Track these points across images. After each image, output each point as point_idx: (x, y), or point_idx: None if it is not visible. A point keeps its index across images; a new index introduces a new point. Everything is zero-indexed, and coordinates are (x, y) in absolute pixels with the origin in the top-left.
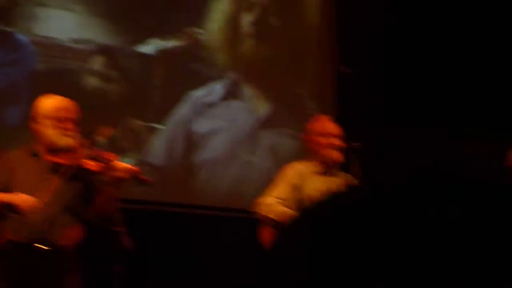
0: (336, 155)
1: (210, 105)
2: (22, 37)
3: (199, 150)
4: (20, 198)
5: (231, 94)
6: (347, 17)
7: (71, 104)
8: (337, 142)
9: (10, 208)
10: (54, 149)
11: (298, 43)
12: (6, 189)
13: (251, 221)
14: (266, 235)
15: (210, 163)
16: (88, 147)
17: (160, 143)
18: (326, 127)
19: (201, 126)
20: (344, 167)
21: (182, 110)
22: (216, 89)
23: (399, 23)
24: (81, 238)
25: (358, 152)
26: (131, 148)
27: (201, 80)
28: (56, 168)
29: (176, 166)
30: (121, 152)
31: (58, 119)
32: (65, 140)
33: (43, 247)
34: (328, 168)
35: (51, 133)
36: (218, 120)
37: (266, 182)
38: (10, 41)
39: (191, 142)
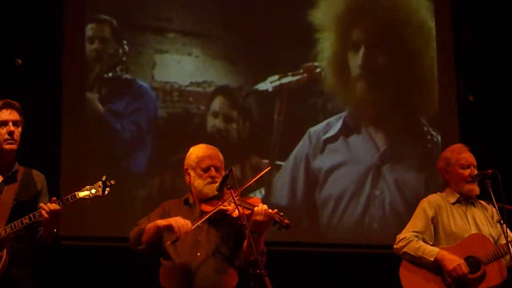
0: (475, 188)
1: (330, 141)
2: (143, 84)
3: (321, 186)
4: (176, 221)
5: (350, 128)
6: (468, 44)
7: (214, 151)
8: (475, 173)
9: (169, 229)
10: (204, 198)
11: (417, 74)
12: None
13: (380, 256)
14: (405, 271)
15: (333, 199)
16: (217, 190)
17: (282, 181)
18: (465, 158)
19: (322, 162)
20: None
21: (303, 147)
22: (335, 124)
23: None
24: (235, 284)
25: (494, 179)
26: (257, 187)
27: (320, 115)
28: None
29: (299, 203)
30: (248, 191)
31: (203, 169)
32: (209, 188)
33: None
34: (466, 198)
35: (198, 183)
36: (338, 155)
37: (392, 216)
38: (133, 89)
39: (313, 178)
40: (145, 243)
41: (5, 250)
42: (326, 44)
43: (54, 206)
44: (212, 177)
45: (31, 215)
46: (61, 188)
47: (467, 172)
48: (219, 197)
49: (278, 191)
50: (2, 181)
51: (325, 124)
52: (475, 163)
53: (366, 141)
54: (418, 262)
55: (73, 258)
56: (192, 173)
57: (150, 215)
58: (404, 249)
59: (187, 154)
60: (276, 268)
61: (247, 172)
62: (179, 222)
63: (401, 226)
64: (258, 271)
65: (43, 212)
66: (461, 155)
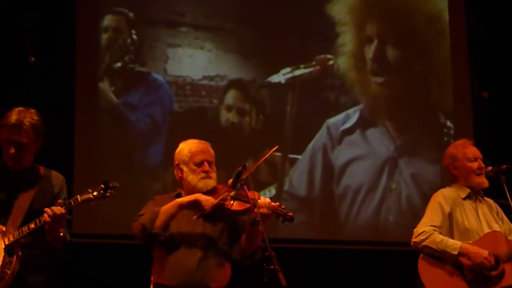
0: (484, 181)
1: (347, 132)
2: (158, 77)
3: (339, 179)
4: (200, 196)
5: (367, 121)
6: (483, 38)
7: (205, 146)
8: (482, 165)
9: (194, 204)
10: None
11: (432, 69)
12: None
13: (397, 253)
14: (425, 264)
15: (350, 192)
16: (231, 187)
17: (299, 173)
18: (472, 151)
19: (339, 154)
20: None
21: (320, 139)
22: (352, 115)
23: None
24: (228, 278)
25: (508, 174)
26: (271, 181)
27: (335, 107)
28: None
29: (317, 196)
30: (261, 185)
31: (196, 164)
32: (203, 183)
33: None
34: (475, 193)
35: (192, 178)
36: (355, 147)
37: (408, 209)
38: (148, 82)
39: (330, 171)
40: (160, 226)
41: (14, 257)
42: (343, 38)
43: (57, 210)
44: (205, 171)
45: (36, 220)
46: (75, 180)
47: (475, 165)
48: (212, 192)
49: (295, 183)
50: (18, 186)
51: (343, 116)
52: (480, 156)
53: (382, 134)
54: (439, 256)
55: (87, 257)
56: (185, 168)
57: (148, 206)
58: (425, 243)
59: (178, 150)
60: (292, 266)
61: (261, 165)
62: (203, 197)
63: (417, 219)
64: (272, 266)
65: (45, 216)
66: (467, 149)
